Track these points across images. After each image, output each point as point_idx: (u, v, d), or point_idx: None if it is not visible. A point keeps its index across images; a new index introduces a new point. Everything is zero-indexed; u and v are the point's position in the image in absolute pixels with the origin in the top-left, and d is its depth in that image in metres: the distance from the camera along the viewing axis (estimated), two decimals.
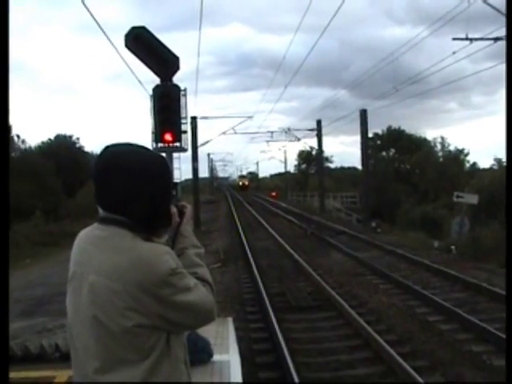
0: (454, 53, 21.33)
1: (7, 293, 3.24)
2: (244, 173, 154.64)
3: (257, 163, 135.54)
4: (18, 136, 47.70)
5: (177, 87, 13.99)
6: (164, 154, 14.64)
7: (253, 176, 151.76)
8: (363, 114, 38.31)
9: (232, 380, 5.40)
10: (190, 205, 2.73)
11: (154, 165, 2.38)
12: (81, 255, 2.38)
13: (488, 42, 19.84)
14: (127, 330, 2.20)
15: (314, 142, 52.10)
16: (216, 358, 5.81)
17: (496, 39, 19.35)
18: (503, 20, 18.22)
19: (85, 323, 2.28)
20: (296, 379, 8.34)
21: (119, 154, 2.37)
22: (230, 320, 8.37)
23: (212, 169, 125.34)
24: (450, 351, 9.81)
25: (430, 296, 13.53)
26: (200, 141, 41.21)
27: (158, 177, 2.37)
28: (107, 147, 2.42)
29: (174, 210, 2.58)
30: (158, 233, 2.47)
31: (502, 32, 19.12)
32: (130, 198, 2.30)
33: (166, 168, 2.46)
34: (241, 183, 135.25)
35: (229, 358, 6.00)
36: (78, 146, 55.17)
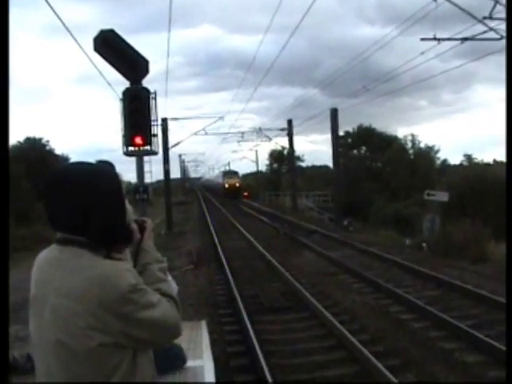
0: (422, 53, 21.53)
1: (7, 298, 3.23)
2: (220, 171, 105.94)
3: (228, 163, 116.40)
4: None
5: (146, 90, 13.93)
6: (135, 157, 14.62)
7: None
8: (334, 113, 38.43)
9: None
10: (150, 219, 2.71)
11: (102, 180, 2.34)
12: (40, 278, 2.35)
13: (456, 42, 20.03)
14: (91, 350, 2.17)
15: (285, 142, 52.22)
16: (189, 363, 5.76)
17: (463, 39, 19.53)
18: (470, 20, 18.46)
19: (48, 347, 2.25)
20: (270, 381, 8.36)
21: (65, 173, 2.35)
22: (203, 323, 8.32)
23: (184, 170, 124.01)
24: (423, 349, 9.87)
25: (402, 294, 13.61)
26: (171, 142, 41.06)
27: (107, 192, 2.34)
28: (55, 168, 2.41)
29: (134, 226, 2.56)
30: (118, 248, 2.45)
31: (470, 32, 19.37)
32: (82, 216, 2.27)
33: (116, 182, 2.41)
34: (227, 184, 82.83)
35: (202, 363, 5.97)
36: (47, 148, 54.64)
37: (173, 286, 2.94)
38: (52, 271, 2.29)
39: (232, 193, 78.94)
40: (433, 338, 10.42)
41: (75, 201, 2.26)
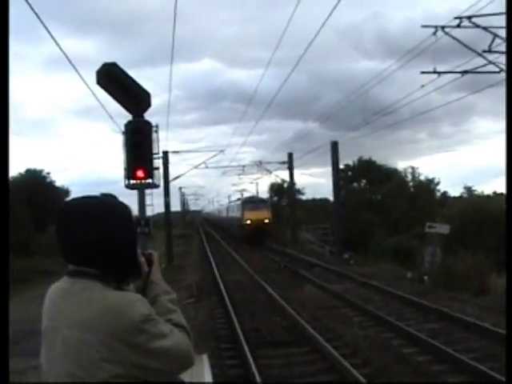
0: (422, 86, 21.65)
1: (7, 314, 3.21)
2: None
3: (229, 196, 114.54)
4: None
5: (148, 124, 13.97)
6: (137, 190, 14.63)
7: None
8: (334, 146, 38.50)
9: None
10: (156, 252, 2.74)
11: (115, 214, 2.36)
12: (52, 310, 2.36)
13: (456, 75, 20.18)
14: (103, 382, 2.16)
15: (285, 174, 52.03)
16: None
17: (464, 72, 19.69)
18: (469, 53, 18.65)
19: (59, 378, 2.23)
20: None
21: (77, 206, 2.36)
22: (204, 357, 8.29)
23: (184, 203, 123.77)
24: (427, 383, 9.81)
25: (404, 327, 13.54)
26: (172, 175, 41.07)
27: (120, 226, 2.35)
28: (67, 201, 2.44)
29: (142, 259, 2.58)
30: (127, 281, 2.48)
31: (469, 65, 19.53)
32: (95, 248, 2.28)
33: (128, 216, 2.43)
34: (249, 220, 49.67)
35: None
36: (48, 180, 54.86)
37: None
38: (64, 303, 2.29)
39: (257, 234, 48.45)
40: (435, 372, 10.36)
41: (88, 233, 2.27)
